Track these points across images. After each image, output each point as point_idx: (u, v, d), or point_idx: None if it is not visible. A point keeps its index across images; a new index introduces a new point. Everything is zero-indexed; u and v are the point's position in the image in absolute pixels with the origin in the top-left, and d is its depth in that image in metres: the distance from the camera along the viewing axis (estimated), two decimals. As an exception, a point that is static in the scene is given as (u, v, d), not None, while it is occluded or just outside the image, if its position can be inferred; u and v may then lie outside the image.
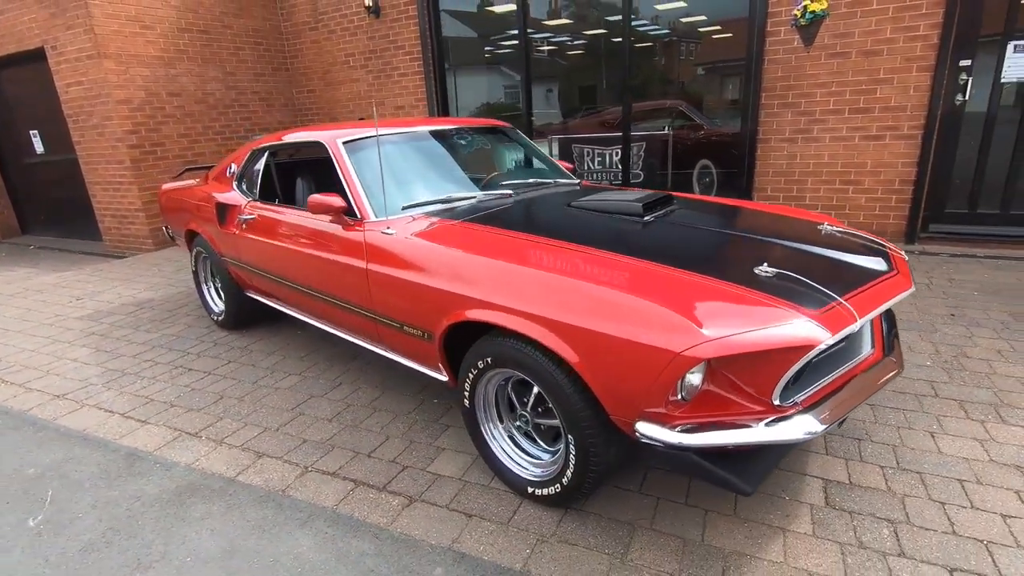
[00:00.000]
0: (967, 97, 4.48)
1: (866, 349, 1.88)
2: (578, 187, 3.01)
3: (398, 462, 2.25)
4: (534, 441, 2.04)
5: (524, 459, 2.00)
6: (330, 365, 3.15)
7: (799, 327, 1.46)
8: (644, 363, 1.48)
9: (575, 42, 6.23)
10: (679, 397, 1.51)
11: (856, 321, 1.55)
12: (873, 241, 2.15)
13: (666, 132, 5.98)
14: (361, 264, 2.30)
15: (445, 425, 2.51)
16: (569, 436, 1.73)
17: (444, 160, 2.89)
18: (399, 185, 2.55)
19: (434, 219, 2.32)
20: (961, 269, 4.23)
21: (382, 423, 2.55)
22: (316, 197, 2.38)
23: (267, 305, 3.33)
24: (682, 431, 1.53)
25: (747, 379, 1.53)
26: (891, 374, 1.80)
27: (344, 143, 2.62)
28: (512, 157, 3.29)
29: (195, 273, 3.88)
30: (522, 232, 2.07)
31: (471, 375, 1.99)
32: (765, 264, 1.71)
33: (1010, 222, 4.59)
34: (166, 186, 4.18)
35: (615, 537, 1.81)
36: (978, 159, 4.59)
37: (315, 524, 1.93)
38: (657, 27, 5.67)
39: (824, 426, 1.52)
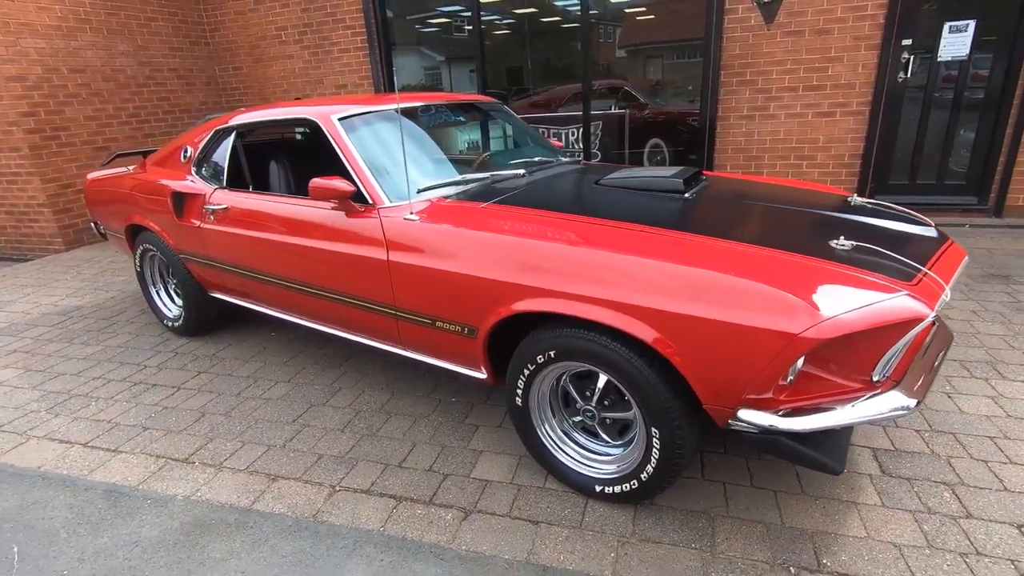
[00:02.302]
0: (909, 75, 4.76)
1: (918, 318, 1.89)
2: (580, 165, 2.87)
3: (436, 471, 2.05)
4: (594, 437, 1.91)
5: (590, 457, 1.87)
6: (321, 369, 2.86)
7: (905, 301, 1.42)
8: (756, 348, 1.39)
9: (503, 21, 6.03)
10: (787, 381, 1.43)
11: (945, 290, 1.54)
12: (903, 211, 2.18)
13: (622, 111, 5.97)
14: (380, 255, 2.05)
15: (473, 425, 2.32)
16: (653, 429, 1.62)
17: (443, 138, 2.66)
18: (413, 166, 2.29)
19: (459, 202, 2.11)
20: (911, 237, 4.51)
21: (402, 429, 2.32)
22: (319, 181, 2.09)
23: (234, 306, 2.96)
24: (784, 415, 1.46)
25: (847, 357, 1.48)
26: (949, 342, 1.83)
27: (340, 120, 2.32)
28: (506, 134, 3.10)
29: (140, 274, 3.38)
30: (567, 213, 1.91)
31: (526, 371, 1.82)
32: (842, 237, 1.66)
33: (946, 192, 4.97)
34: (93, 175, 3.61)
35: (696, 529, 1.73)
36: (917, 133, 4.92)
37: (365, 551, 1.71)
38: (597, 10, 5.59)
39: (916, 399, 1.50)
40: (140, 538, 1.81)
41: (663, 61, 5.72)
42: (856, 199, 2.22)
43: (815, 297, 1.38)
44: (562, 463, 1.89)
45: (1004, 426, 2.14)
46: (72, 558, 1.75)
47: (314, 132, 3.23)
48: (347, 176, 2.21)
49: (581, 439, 1.92)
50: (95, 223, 3.72)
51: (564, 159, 2.95)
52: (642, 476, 1.71)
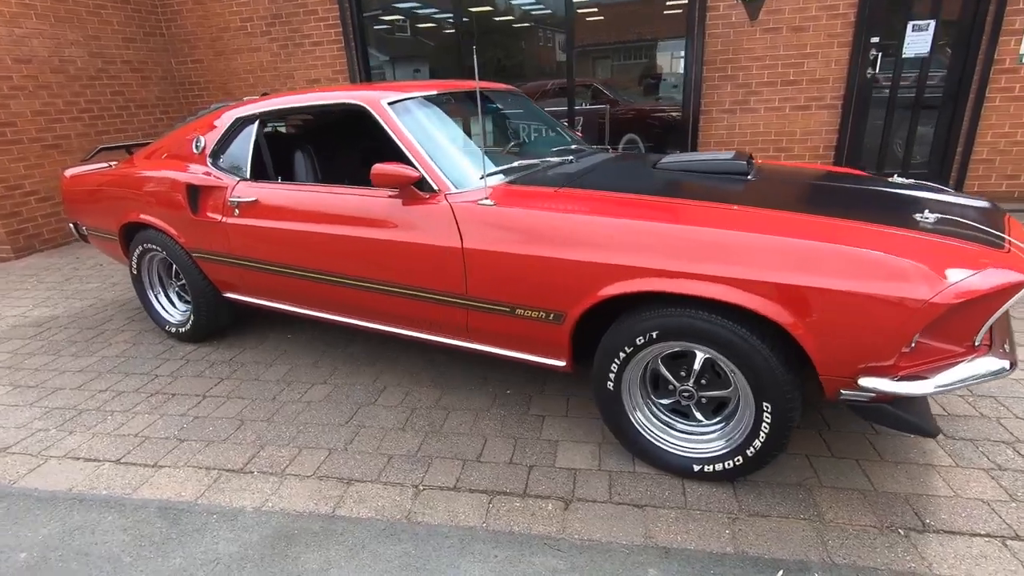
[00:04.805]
0: (876, 71, 5.07)
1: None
2: (612, 153, 2.88)
3: (518, 463, 2.00)
4: (684, 417, 1.91)
5: (688, 438, 1.86)
6: (356, 368, 2.72)
7: (1008, 269, 1.50)
8: (885, 316, 1.43)
9: (465, 21, 5.98)
10: (911, 347, 1.48)
11: (1031, 258, 1.63)
12: (940, 186, 2.30)
13: (602, 107, 6.07)
14: (453, 243, 1.97)
15: (539, 416, 2.28)
16: (764, 404, 1.63)
17: (483, 125, 2.60)
18: (465, 151, 2.23)
19: (529, 187, 2.06)
20: (887, 222, 4.81)
21: (466, 424, 2.25)
22: (383, 167, 1.98)
23: (251, 307, 2.77)
24: (898, 380, 1.51)
25: (955, 323, 1.55)
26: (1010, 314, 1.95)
27: (390, 104, 2.22)
28: (533, 123, 3.06)
29: (137, 277, 3.11)
30: (648, 195, 1.91)
31: (622, 355, 1.80)
32: (926, 211, 1.74)
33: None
34: (73, 171, 3.30)
35: (798, 500, 1.76)
36: (884, 125, 5.25)
37: (475, 548, 1.63)
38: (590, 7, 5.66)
39: (1010, 360, 1.58)
40: (219, 555, 1.66)
41: (665, 57, 5.80)
42: (897, 178, 2.33)
43: (936, 266, 1.44)
44: (656, 446, 1.88)
45: (1034, 387, 2.31)
46: (147, 583, 1.58)
47: (357, 118, 3.10)
48: (402, 162, 2.11)
49: (676, 420, 1.91)
50: (75, 224, 3.39)
51: (596, 147, 2.95)
52: (748, 452, 1.72)
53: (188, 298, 2.97)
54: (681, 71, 5.55)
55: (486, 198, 1.96)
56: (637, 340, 1.75)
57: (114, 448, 2.19)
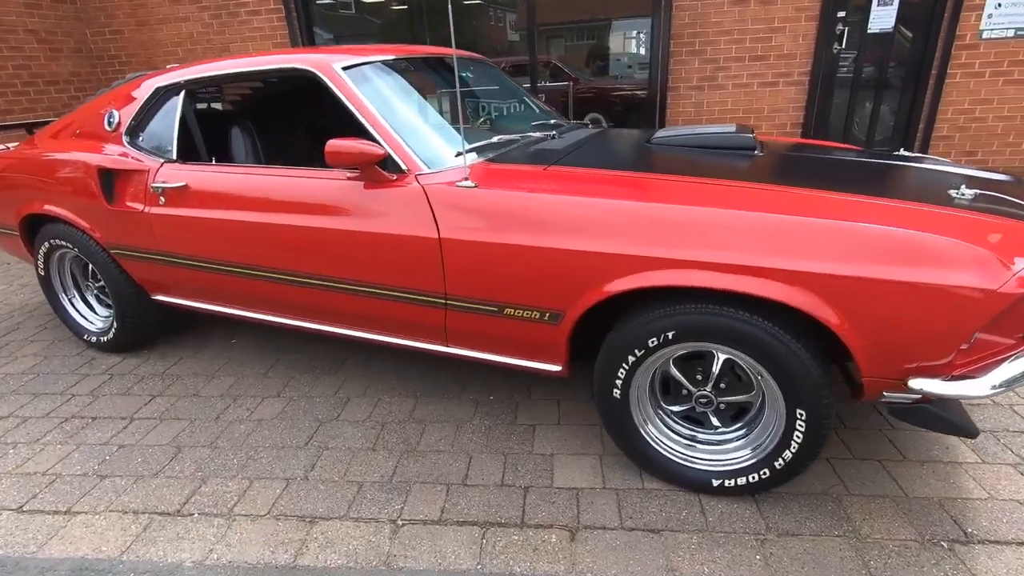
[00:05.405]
0: (842, 46, 5.00)
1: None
2: (590, 128, 2.62)
3: (511, 484, 1.74)
4: (699, 424, 1.69)
5: (706, 449, 1.64)
6: (315, 377, 2.39)
7: (1070, 248, 1.33)
8: (945, 309, 1.23)
9: None
10: (969, 343, 1.29)
11: (1078, 237, 1.48)
12: (945, 160, 2.16)
13: (565, 84, 5.82)
14: (428, 232, 1.67)
15: (528, 426, 2.02)
16: (798, 411, 1.43)
17: (451, 96, 2.29)
18: (436, 125, 1.92)
19: (512, 165, 1.77)
20: (856, 200, 4.77)
21: (446, 439, 1.97)
22: (339, 143, 1.65)
23: (185, 310, 2.39)
24: (952, 380, 1.33)
25: (1011, 314, 1.38)
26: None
27: (345, 69, 1.88)
28: (505, 95, 2.75)
29: (46, 280, 2.65)
30: (655, 174, 1.66)
31: (630, 359, 1.56)
32: (963, 187, 1.56)
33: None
34: (-41, 155, 2.77)
35: (828, 513, 1.58)
36: (849, 100, 5.20)
37: (471, 599, 1.37)
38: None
39: (1055, 351, 1.43)
40: (151, 630, 1.33)
41: (614, 32, 5.58)
42: (903, 151, 2.18)
43: (998, 249, 1.25)
44: (670, 459, 1.65)
45: (1038, 370, 2.22)
46: (54, 677, 1.24)
47: (305, 88, 2.73)
48: (363, 137, 1.79)
49: (697, 431, 1.69)
50: (-33, 218, 2.87)
51: (575, 121, 2.69)
52: (776, 464, 1.52)
53: (110, 302, 2.55)
54: (646, 48, 5.34)
55: (465, 179, 1.66)
56: (649, 342, 1.51)
57: (15, 492, 1.80)
